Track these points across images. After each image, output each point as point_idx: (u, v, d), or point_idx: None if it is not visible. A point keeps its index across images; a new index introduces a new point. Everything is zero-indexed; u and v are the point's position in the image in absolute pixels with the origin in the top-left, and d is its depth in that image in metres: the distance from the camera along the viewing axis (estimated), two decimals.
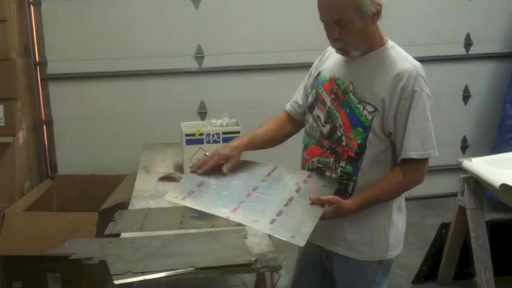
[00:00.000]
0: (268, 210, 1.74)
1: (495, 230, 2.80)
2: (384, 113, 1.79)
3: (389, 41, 1.89)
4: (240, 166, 1.95)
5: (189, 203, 1.77)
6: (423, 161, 1.81)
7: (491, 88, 4.83)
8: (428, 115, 1.80)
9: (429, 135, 1.80)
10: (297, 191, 1.85)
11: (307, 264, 2.12)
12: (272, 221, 1.70)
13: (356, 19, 1.74)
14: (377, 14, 1.78)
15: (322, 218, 1.75)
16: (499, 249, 2.74)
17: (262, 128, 2.09)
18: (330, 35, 1.80)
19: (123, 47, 4.18)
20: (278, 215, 1.72)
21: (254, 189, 1.84)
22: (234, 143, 1.96)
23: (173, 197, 1.80)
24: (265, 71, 4.41)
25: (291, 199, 1.80)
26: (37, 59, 4.09)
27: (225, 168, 1.88)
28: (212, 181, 1.86)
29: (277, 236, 1.67)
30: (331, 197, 1.78)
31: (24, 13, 3.95)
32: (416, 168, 1.81)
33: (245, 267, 1.88)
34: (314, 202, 1.77)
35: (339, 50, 1.86)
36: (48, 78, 4.14)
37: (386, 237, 1.90)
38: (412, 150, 1.78)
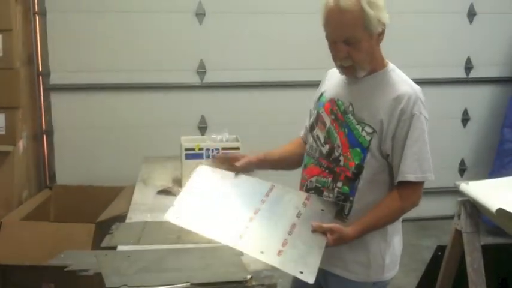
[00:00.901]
0: (273, 238, 1.75)
1: (491, 254, 2.79)
2: (382, 134, 1.81)
3: (389, 63, 1.91)
4: (238, 181, 1.96)
5: (193, 227, 1.78)
6: (420, 183, 1.83)
7: (490, 112, 4.86)
8: (426, 138, 1.81)
9: (426, 158, 1.81)
10: (298, 215, 1.85)
11: (303, 284, 2.12)
12: (279, 253, 1.70)
13: (364, 38, 1.77)
14: (381, 34, 1.81)
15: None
16: (494, 273, 2.74)
17: (278, 148, 2.13)
18: (337, 54, 1.82)
19: (125, 59, 4.21)
20: (284, 244, 1.72)
21: (256, 212, 1.84)
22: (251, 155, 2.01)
23: (175, 217, 1.80)
24: (267, 87, 4.44)
25: (293, 225, 1.80)
26: (40, 69, 4.12)
27: (238, 163, 1.94)
28: (213, 195, 1.87)
29: (286, 271, 1.67)
30: (333, 225, 1.78)
31: (29, 23, 3.99)
32: (413, 190, 1.83)
33: (240, 284, 1.88)
34: (316, 230, 1.76)
35: (345, 70, 1.86)
36: (50, 88, 4.17)
37: (383, 259, 1.90)
38: (409, 173, 1.79)
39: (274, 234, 1.76)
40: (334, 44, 1.81)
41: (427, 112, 1.83)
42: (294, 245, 1.73)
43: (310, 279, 1.66)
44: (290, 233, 1.78)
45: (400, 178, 1.80)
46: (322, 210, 1.88)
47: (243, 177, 1.99)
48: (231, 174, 1.99)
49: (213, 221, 1.79)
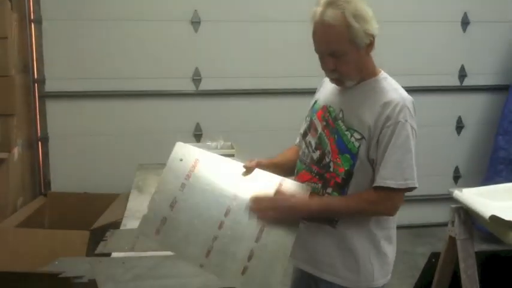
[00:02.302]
0: (239, 251, 1.73)
1: (485, 260, 2.80)
2: (370, 141, 1.81)
3: (382, 72, 1.93)
4: (213, 165, 1.91)
5: (160, 244, 1.75)
6: (399, 191, 1.79)
7: (484, 120, 4.88)
8: (410, 146, 1.79)
9: (410, 164, 1.79)
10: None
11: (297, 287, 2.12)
12: (243, 271, 1.70)
13: (350, 50, 1.78)
14: (370, 45, 1.82)
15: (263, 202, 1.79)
16: (488, 280, 2.75)
17: (279, 155, 2.12)
18: (324, 66, 1.84)
19: (121, 67, 4.22)
20: (249, 259, 1.72)
21: (226, 213, 1.79)
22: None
23: (144, 233, 1.76)
24: (262, 95, 4.45)
25: (261, 230, 1.78)
26: (35, 76, 4.13)
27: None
28: (184, 195, 1.80)
29: None
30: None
31: (25, 30, 3.99)
32: (390, 197, 1.80)
33: None
34: (253, 208, 1.78)
35: (334, 81, 1.89)
36: (45, 96, 4.17)
37: (372, 265, 1.90)
38: (390, 179, 1.77)
39: (242, 244, 1.74)
40: (321, 56, 1.84)
41: (415, 122, 1.82)
42: (259, 257, 1.72)
43: None
44: (258, 240, 1.76)
45: (378, 183, 1.78)
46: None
47: (218, 158, 1.94)
48: (207, 153, 1.94)
49: (182, 229, 1.74)
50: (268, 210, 1.80)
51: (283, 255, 1.76)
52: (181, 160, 1.86)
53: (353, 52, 1.79)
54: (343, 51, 1.78)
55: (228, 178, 1.86)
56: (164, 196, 1.78)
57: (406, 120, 1.79)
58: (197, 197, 1.80)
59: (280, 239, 1.77)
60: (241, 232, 1.76)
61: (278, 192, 1.83)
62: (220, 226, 1.76)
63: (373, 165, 1.83)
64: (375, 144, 1.80)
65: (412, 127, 1.81)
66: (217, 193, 1.81)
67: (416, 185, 1.80)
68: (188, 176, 1.82)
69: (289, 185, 1.89)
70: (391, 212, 1.84)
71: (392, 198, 1.80)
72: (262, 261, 1.72)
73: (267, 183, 1.86)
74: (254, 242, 1.75)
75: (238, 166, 1.90)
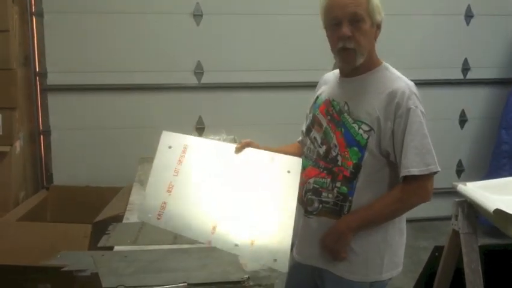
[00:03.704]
0: (243, 225, 1.75)
1: (489, 254, 2.79)
2: (380, 132, 1.80)
3: (383, 62, 1.92)
4: (202, 148, 1.93)
5: (165, 225, 1.76)
6: (426, 177, 1.80)
7: (487, 113, 4.87)
8: (425, 131, 1.80)
9: (428, 150, 1.79)
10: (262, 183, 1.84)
11: (299, 281, 2.11)
12: (252, 243, 1.70)
13: (367, 20, 1.80)
14: (379, 28, 1.85)
15: (325, 246, 1.84)
16: (492, 274, 2.74)
17: (281, 147, 2.11)
18: (342, 34, 1.80)
19: (123, 60, 4.20)
20: (254, 231, 1.74)
21: (223, 192, 1.82)
22: None
23: (146, 218, 1.78)
24: (264, 88, 4.44)
25: (259, 204, 1.80)
26: (37, 70, 4.11)
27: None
28: (179, 179, 1.82)
29: (261, 263, 1.70)
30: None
31: (27, 24, 3.98)
32: (419, 185, 1.80)
33: (237, 284, 1.88)
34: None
35: (344, 54, 1.84)
36: (47, 89, 4.16)
37: (381, 259, 1.89)
38: (413, 167, 1.77)
39: (245, 220, 1.76)
40: (337, 26, 1.81)
41: (423, 107, 1.82)
42: (265, 226, 1.74)
43: (284, 268, 1.67)
44: (258, 211, 1.78)
45: (403, 173, 1.79)
46: (288, 171, 1.87)
47: (206, 141, 1.97)
48: (194, 138, 1.98)
49: (186, 210, 1.76)
50: (326, 249, 1.86)
51: (288, 221, 1.77)
52: (170, 147, 1.89)
53: (368, 24, 1.81)
54: (362, 17, 1.79)
55: (220, 159, 1.88)
56: (160, 182, 1.81)
57: (416, 107, 1.79)
58: (192, 180, 1.82)
59: (282, 205, 1.79)
60: (241, 207, 1.78)
61: None
62: (220, 205, 1.78)
63: (389, 157, 1.82)
64: (389, 136, 1.80)
65: (422, 112, 1.81)
66: (211, 174, 1.84)
67: (439, 169, 1.81)
68: (180, 162, 1.85)
69: (281, 158, 1.90)
70: (426, 199, 1.83)
71: (420, 185, 1.81)
72: (267, 232, 1.73)
73: (258, 160, 1.88)
74: (255, 215, 1.77)
75: (227, 147, 1.93)
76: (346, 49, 1.82)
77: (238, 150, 1.91)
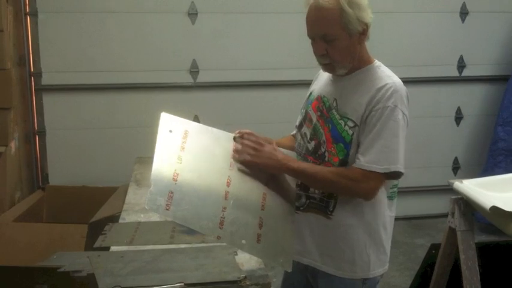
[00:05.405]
0: (250, 220, 1.73)
1: (485, 252, 2.80)
2: (361, 126, 1.81)
3: (376, 61, 1.91)
4: (203, 135, 1.91)
5: (173, 217, 1.72)
6: (380, 175, 1.76)
7: (483, 110, 4.87)
8: (398, 131, 1.77)
9: (394, 149, 1.76)
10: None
11: (294, 283, 2.12)
12: (258, 238, 1.69)
13: (342, 36, 1.77)
14: (363, 33, 1.81)
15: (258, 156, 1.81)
16: (489, 271, 2.74)
17: (281, 139, 2.13)
18: (316, 50, 1.83)
19: (117, 60, 4.19)
20: (260, 226, 1.72)
21: (228, 183, 1.78)
22: None
23: (156, 205, 1.68)
24: (260, 87, 4.44)
25: (264, 196, 1.79)
26: (32, 69, 4.10)
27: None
28: (183, 167, 1.76)
29: (267, 261, 1.68)
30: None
31: (21, 23, 3.97)
32: (370, 178, 1.76)
33: (234, 284, 1.87)
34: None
35: (325, 66, 1.87)
36: (42, 89, 4.15)
37: (368, 256, 1.89)
38: (374, 163, 1.74)
39: (250, 213, 1.74)
40: (313, 40, 1.83)
41: (407, 109, 1.80)
42: (270, 224, 1.73)
43: (289, 267, 1.67)
44: (263, 207, 1.76)
45: (363, 166, 1.75)
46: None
47: (205, 128, 1.95)
48: (193, 123, 1.95)
49: (192, 203, 1.71)
50: (249, 149, 1.83)
51: (290, 217, 1.77)
52: (170, 131, 1.84)
53: (344, 38, 1.78)
54: (334, 36, 1.77)
55: (221, 147, 1.87)
56: (164, 170, 1.73)
57: (396, 106, 1.77)
58: (197, 168, 1.78)
59: (283, 201, 1.80)
60: (246, 200, 1.76)
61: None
62: (226, 196, 1.75)
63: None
64: (362, 127, 1.79)
65: (403, 113, 1.79)
66: (214, 163, 1.82)
67: (402, 170, 1.77)
68: (182, 148, 1.80)
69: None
70: (369, 195, 1.80)
71: (371, 180, 1.76)
72: (272, 228, 1.73)
73: None
74: (260, 210, 1.76)
75: (226, 135, 1.93)
76: (324, 63, 1.85)
77: (238, 139, 1.89)
